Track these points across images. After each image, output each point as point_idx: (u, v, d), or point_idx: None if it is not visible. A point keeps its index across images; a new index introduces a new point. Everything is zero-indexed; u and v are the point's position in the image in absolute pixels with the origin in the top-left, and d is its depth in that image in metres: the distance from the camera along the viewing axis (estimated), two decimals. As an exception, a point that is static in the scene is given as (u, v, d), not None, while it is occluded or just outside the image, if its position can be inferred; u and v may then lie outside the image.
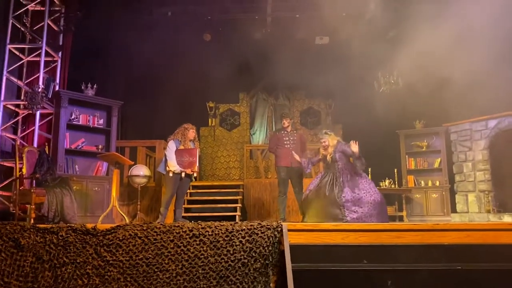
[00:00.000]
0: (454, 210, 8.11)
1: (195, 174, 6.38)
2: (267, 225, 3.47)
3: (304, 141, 6.67)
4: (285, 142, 6.50)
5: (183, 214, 7.08)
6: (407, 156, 9.44)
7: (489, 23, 6.85)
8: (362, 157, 5.65)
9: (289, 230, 3.44)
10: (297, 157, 6.12)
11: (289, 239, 3.37)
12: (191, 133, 6.28)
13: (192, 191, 8.45)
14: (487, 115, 7.48)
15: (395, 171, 9.03)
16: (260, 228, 3.45)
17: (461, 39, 7.29)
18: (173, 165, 6.04)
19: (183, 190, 6.36)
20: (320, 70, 9.41)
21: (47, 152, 6.46)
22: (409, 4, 7.93)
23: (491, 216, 7.09)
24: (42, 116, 7.71)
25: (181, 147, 6.16)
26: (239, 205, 8.00)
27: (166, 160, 6.13)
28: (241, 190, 8.42)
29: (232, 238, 3.43)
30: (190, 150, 6.16)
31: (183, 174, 6.11)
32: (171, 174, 6.06)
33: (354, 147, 5.53)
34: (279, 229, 3.44)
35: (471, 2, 7.00)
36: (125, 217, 6.18)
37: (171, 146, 6.15)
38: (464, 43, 7.31)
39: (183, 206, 7.78)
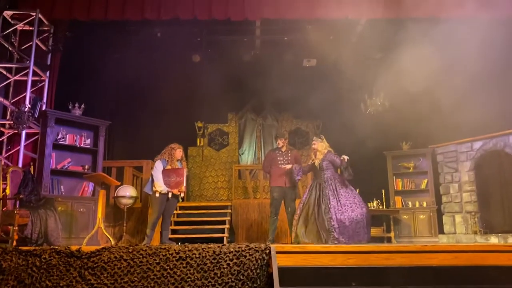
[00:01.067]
0: (441, 231, 8.15)
1: (182, 195, 6.33)
2: (255, 247, 3.44)
3: (299, 161, 6.68)
4: (279, 162, 6.52)
5: (170, 236, 6.99)
6: (394, 177, 9.50)
7: (474, 48, 7.04)
8: (349, 168, 5.75)
9: (277, 252, 3.42)
10: (288, 166, 6.19)
11: (278, 262, 3.34)
12: (178, 152, 6.25)
13: (179, 212, 8.35)
14: (472, 136, 7.60)
15: (383, 192, 9.08)
16: (248, 251, 3.42)
17: (446, 63, 7.47)
18: (160, 185, 5.99)
19: (169, 211, 6.29)
20: (308, 92, 9.53)
21: (32, 172, 6.36)
22: (395, 29, 8.11)
23: (478, 237, 7.13)
24: (28, 136, 7.62)
25: (168, 167, 6.12)
26: (227, 226, 7.92)
27: (152, 180, 6.08)
28: (229, 211, 8.34)
29: (220, 260, 3.39)
30: (177, 170, 6.13)
31: (170, 195, 6.06)
32: (157, 195, 6.00)
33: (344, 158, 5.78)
34: (267, 251, 3.41)
35: (457, 29, 7.21)
36: (111, 239, 6.07)
37: (158, 166, 6.11)
38: (449, 67, 7.50)
39: (170, 227, 7.70)
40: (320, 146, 6.04)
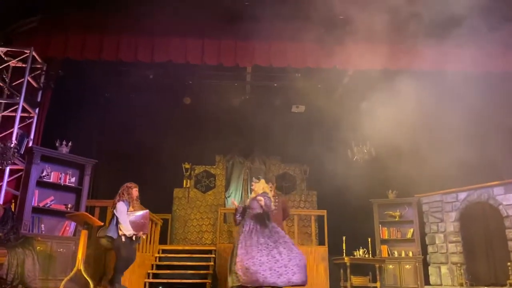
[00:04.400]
0: (427, 282, 8.05)
1: (143, 236, 6.24)
2: (239, 295, 3.35)
3: (285, 207, 6.61)
4: None
5: (151, 280, 6.79)
6: (380, 225, 9.46)
7: (460, 101, 7.26)
8: (268, 213, 5.61)
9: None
10: (261, 201, 5.86)
11: (262, 311, 3.25)
12: (135, 191, 6.12)
13: (162, 255, 8.15)
14: (458, 187, 7.68)
15: (369, 240, 9.00)
16: (231, 298, 3.33)
17: (431, 114, 7.66)
18: (127, 228, 5.78)
19: (133, 257, 6.08)
20: (296, 137, 9.66)
21: (12, 209, 6.20)
22: (382, 80, 8.34)
23: (464, 289, 7.07)
24: (12, 172, 7.45)
25: (131, 208, 5.98)
26: (210, 271, 7.72)
27: (117, 223, 5.85)
28: (213, 255, 8.16)
29: (202, 308, 3.28)
30: (142, 213, 6.05)
31: (133, 238, 5.88)
32: (123, 239, 5.78)
33: (260, 200, 5.59)
34: (252, 299, 3.33)
35: (441, 81, 7.46)
36: (90, 282, 5.85)
37: (122, 208, 5.89)
38: (434, 118, 7.68)
39: (151, 271, 7.49)
40: (257, 187, 5.98)
